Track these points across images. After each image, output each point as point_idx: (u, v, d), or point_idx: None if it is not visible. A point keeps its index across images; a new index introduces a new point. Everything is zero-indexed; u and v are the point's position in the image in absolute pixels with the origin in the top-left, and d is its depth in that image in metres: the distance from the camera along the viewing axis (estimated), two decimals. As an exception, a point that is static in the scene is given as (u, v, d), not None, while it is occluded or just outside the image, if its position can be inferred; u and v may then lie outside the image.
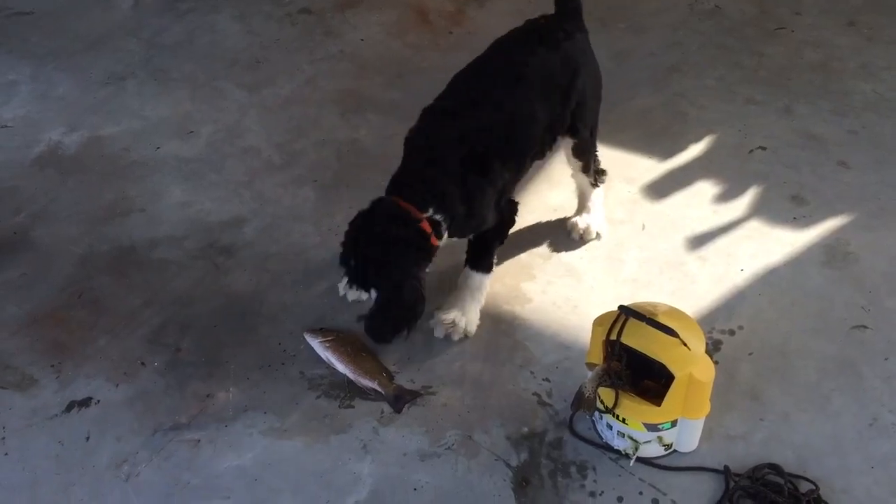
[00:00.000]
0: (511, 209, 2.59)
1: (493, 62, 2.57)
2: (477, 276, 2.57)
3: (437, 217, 2.34)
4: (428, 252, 2.36)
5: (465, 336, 2.54)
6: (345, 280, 2.55)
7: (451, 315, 2.53)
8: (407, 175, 2.42)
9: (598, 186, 2.85)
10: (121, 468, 2.22)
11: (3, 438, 2.30)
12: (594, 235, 2.84)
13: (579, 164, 2.76)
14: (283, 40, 3.88)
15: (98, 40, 3.90)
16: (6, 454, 2.26)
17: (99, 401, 2.39)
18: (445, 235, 2.40)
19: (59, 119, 3.43)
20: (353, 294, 2.62)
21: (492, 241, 2.58)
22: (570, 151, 2.73)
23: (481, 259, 2.57)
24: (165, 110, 3.47)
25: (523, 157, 2.54)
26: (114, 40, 3.89)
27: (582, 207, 2.87)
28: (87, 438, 2.30)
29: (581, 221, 2.84)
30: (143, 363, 2.49)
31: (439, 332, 2.54)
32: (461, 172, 2.36)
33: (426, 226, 2.33)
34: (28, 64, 3.73)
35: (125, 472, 2.22)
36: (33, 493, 2.18)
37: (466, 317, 2.54)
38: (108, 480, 2.20)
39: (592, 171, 2.81)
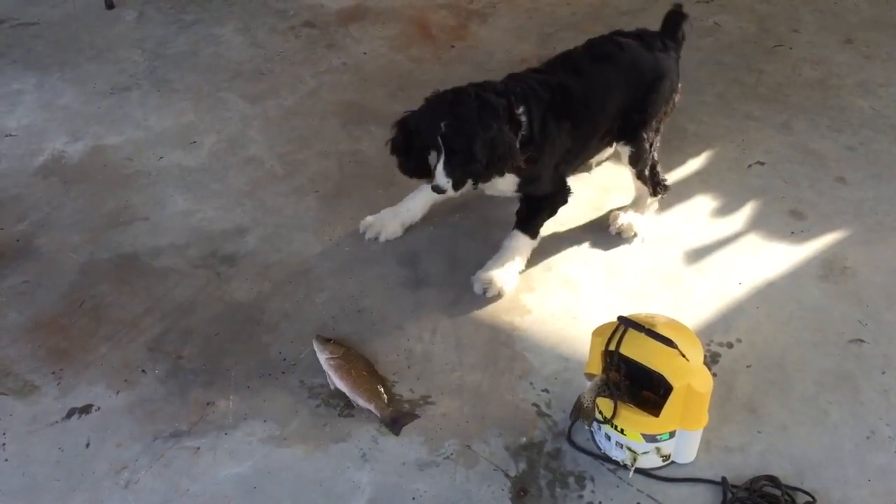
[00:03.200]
0: (564, 186, 2.74)
1: (590, 46, 2.78)
2: (521, 237, 2.69)
3: (522, 118, 2.51)
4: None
5: (499, 295, 2.64)
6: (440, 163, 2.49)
7: (490, 274, 2.64)
8: (506, 81, 2.61)
9: (656, 196, 2.93)
10: (120, 474, 2.23)
11: (4, 444, 2.30)
12: (632, 234, 2.89)
13: (634, 170, 2.87)
14: (286, 52, 3.92)
15: (102, 51, 3.93)
16: (6, 460, 2.27)
17: (99, 407, 2.40)
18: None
19: (62, 128, 3.46)
20: (444, 181, 2.50)
21: (541, 207, 2.70)
22: (626, 158, 2.84)
23: (528, 222, 2.70)
24: (168, 120, 3.50)
25: (592, 129, 2.70)
26: (118, 51, 3.93)
27: (632, 207, 2.95)
28: (88, 445, 2.30)
29: (624, 217, 2.91)
30: (143, 370, 2.50)
31: (478, 288, 2.66)
32: (545, 110, 2.56)
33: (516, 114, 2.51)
34: (33, 74, 3.76)
35: (125, 478, 2.22)
36: (33, 499, 2.18)
37: (504, 276, 2.64)
38: (107, 487, 2.20)
39: (650, 181, 2.89)
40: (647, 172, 2.87)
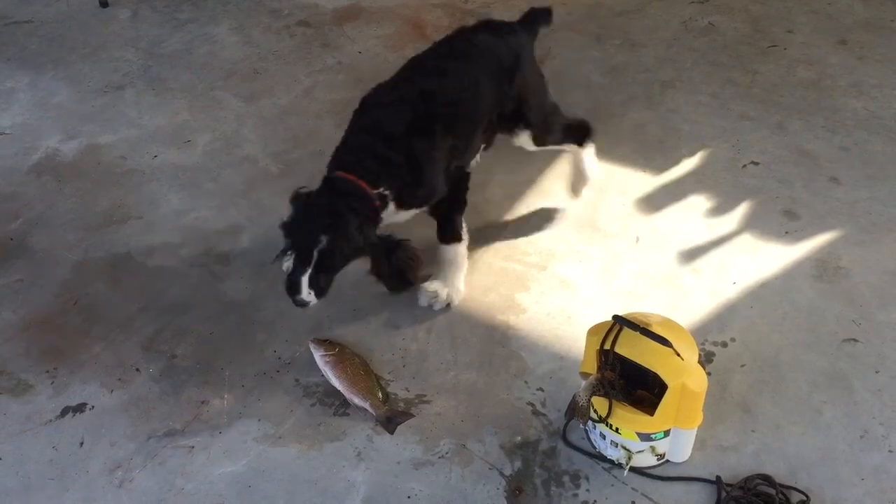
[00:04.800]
0: (461, 175, 2.69)
1: (440, 45, 2.75)
2: (450, 248, 2.70)
3: (385, 192, 2.45)
4: (374, 224, 2.47)
5: (448, 305, 2.67)
6: (288, 258, 2.48)
7: (434, 286, 2.67)
8: (354, 150, 2.51)
9: (584, 147, 2.98)
10: (114, 473, 2.22)
11: (-3, 443, 2.30)
12: (596, 174, 3.02)
13: (546, 146, 2.91)
14: (281, 52, 3.91)
15: (96, 49, 3.92)
16: (0, 459, 2.26)
17: (93, 406, 2.39)
18: (392, 206, 2.49)
19: (56, 127, 3.45)
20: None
21: (451, 211, 2.70)
22: (531, 143, 2.85)
23: (448, 232, 2.70)
24: (162, 119, 3.49)
25: (472, 124, 2.66)
26: (112, 50, 3.92)
27: (577, 165, 3.01)
28: (82, 444, 2.30)
29: (581, 165, 3.00)
30: (137, 369, 2.49)
31: (423, 301, 2.67)
32: (406, 138, 2.46)
33: (376, 202, 2.44)
34: (26, 72, 3.75)
35: (119, 477, 2.22)
36: (27, 498, 2.17)
37: (449, 287, 2.67)
38: (101, 486, 2.20)
39: (571, 138, 2.94)
40: (560, 136, 2.90)
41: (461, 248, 2.70)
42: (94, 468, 2.24)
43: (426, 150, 2.50)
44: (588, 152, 2.99)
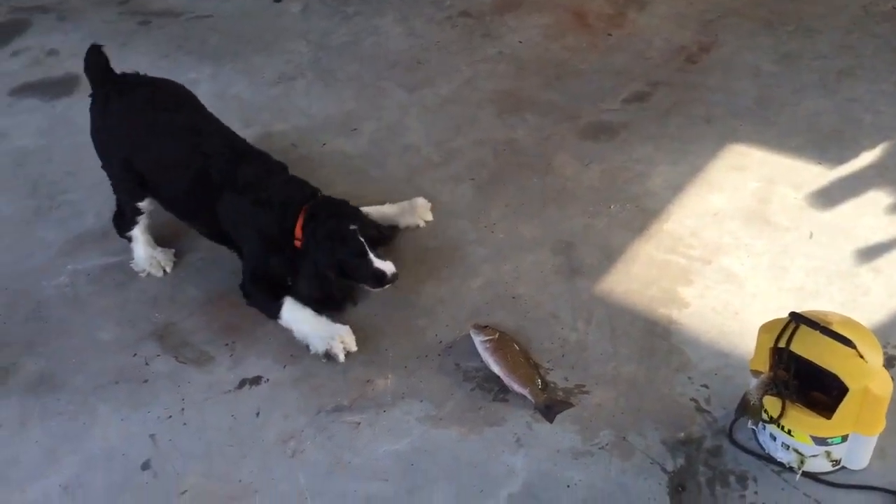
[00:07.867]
0: None
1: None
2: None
3: None
4: None
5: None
6: None
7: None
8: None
9: None
10: (287, 444, 2.34)
11: (183, 410, 2.47)
12: None
13: None
14: (443, 42, 3.98)
15: (270, 43, 4.12)
16: (185, 424, 2.43)
17: (268, 380, 2.53)
18: None
19: (235, 115, 3.63)
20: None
21: None
22: None
23: None
24: (331, 108, 3.63)
25: None
26: (284, 42, 4.11)
27: None
28: (258, 414, 2.43)
29: None
30: (307, 346, 2.61)
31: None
32: None
33: None
34: (208, 64, 3.99)
35: (291, 448, 2.33)
36: (209, 462, 2.33)
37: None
38: (275, 455, 2.32)
39: None
40: None
41: None
42: (269, 438, 2.37)
43: None
44: None
